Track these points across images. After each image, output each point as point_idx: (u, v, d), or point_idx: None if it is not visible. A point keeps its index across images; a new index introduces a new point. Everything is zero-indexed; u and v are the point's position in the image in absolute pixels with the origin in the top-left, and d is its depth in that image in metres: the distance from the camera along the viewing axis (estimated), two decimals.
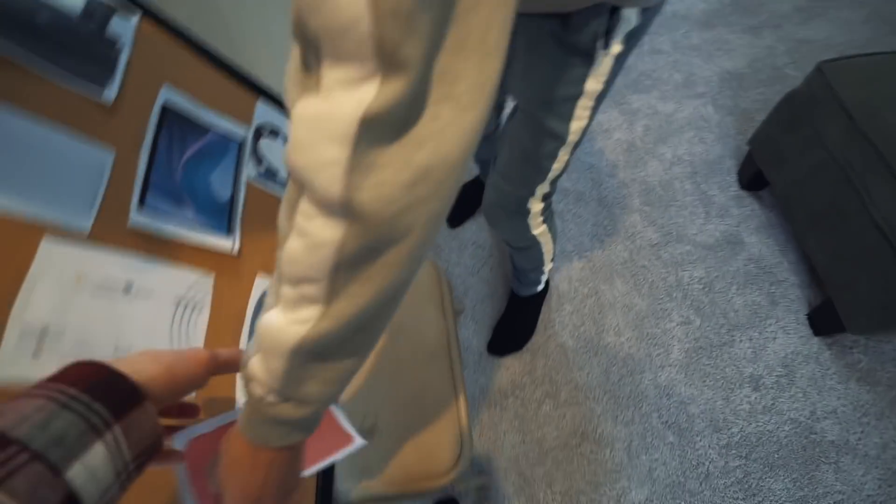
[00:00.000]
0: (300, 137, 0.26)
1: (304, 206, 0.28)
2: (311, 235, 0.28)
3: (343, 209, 0.26)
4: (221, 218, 0.69)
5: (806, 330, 1.33)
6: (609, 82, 0.68)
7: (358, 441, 0.52)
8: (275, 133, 0.81)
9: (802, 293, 1.38)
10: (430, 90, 0.24)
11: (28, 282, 0.47)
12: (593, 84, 0.66)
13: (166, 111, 0.66)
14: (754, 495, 1.13)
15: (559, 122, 0.72)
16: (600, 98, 0.70)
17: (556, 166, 0.80)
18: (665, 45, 1.91)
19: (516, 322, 1.32)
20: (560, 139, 0.74)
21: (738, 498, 1.13)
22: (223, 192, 0.71)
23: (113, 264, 0.54)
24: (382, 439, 0.76)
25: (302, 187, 0.28)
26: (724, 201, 1.54)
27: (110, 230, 0.55)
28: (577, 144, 0.77)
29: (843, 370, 1.27)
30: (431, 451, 0.75)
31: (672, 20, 1.98)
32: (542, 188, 0.86)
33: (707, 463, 1.17)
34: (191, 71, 0.73)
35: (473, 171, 1.55)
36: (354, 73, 0.23)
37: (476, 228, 1.51)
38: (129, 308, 0.54)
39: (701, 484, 1.15)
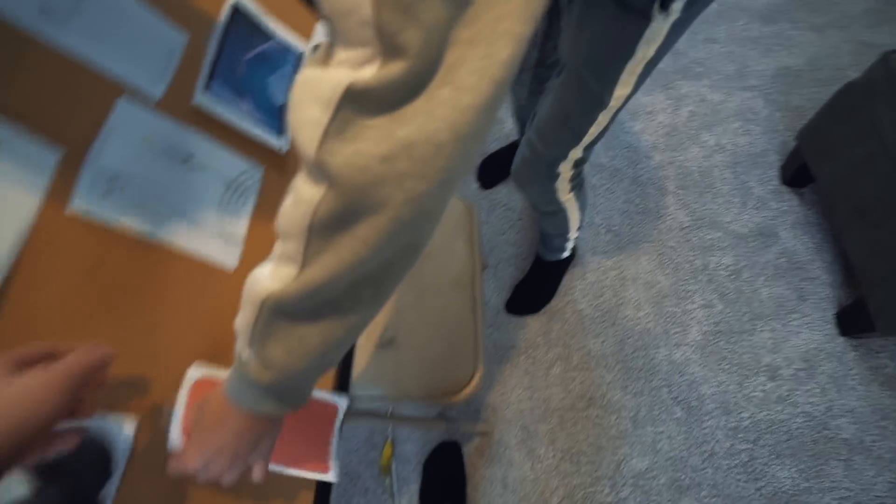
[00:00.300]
0: (295, 97, 0.28)
1: (302, 164, 0.30)
2: (297, 191, 0.30)
3: (318, 170, 0.27)
4: (274, 119, 0.73)
5: (832, 329, 1.30)
6: (661, 50, 0.67)
7: (331, 476, 0.53)
8: None
9: (833, 292, 1.35)
10: (434, 77, 0.24)
11: (104, 132, 0.52)
12: (645, 49, 0.65)
13: (236, 11, 0.70)
14: (757, 479, 1.13)
15: (604, 84, 0.71)
16: (649, 66, 0.69)
17: (593, 130, 0.80)
18: (721, 34, 1.87)
19: (538, 285, 1.34)
20: (602, 103, 0.74)
21: (741, 480, 1.13)
22: (279, 96, 0.75)
23: (177, 135, 0.59)
24: (400, 353, 0.80)
25: None
26: (763, 194, 1.51)
27: (176, 104, 0.59)
28: (617, 111, 0.76)
29: (867, 372, 1.24)
30: (446, 369, 0.78)
31: (731, 10, 1.93)
32: (576, 153, 0.86)
33: (713, 442, 1.17)
34: None
35: (511, 136, 1.56)
36: (358, 56, 0.25)
37: (508, 192, 1.52)
38: (185, 177, 0.59)
39: (704, 461, 1.15)
